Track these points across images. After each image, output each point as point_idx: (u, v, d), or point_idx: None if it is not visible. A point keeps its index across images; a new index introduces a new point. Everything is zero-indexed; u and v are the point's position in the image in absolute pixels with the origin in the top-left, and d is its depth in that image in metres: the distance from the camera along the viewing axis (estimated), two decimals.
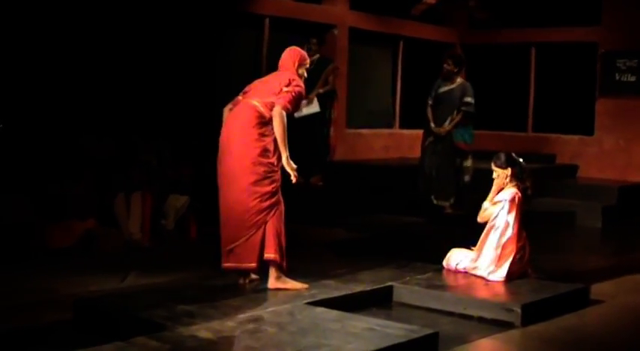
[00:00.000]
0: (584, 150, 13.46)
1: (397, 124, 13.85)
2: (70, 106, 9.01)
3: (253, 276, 6.26)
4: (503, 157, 6.97)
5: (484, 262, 6.77)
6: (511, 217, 6.78)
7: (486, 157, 7.35)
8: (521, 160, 7.01)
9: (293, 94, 6.06)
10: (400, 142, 13.59)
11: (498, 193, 6.94)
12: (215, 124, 6.25)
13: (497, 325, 5.90)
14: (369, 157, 12.81)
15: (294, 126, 6.12)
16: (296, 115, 10.04)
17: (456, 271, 6.91)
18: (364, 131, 13.08)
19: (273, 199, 6.02)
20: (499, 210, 6.82)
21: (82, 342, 4.88)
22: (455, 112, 10.22)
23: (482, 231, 6.89)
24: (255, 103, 6.04)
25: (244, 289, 6.15)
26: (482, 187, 7.21)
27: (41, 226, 7.64)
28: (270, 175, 6.00)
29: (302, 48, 6.63)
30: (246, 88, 6.27)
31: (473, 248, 6.94)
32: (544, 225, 10.05)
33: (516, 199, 6.83)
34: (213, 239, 6.36)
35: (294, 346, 4.78)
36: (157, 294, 5.99)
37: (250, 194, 5.96)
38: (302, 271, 6.39)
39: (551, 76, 14.02)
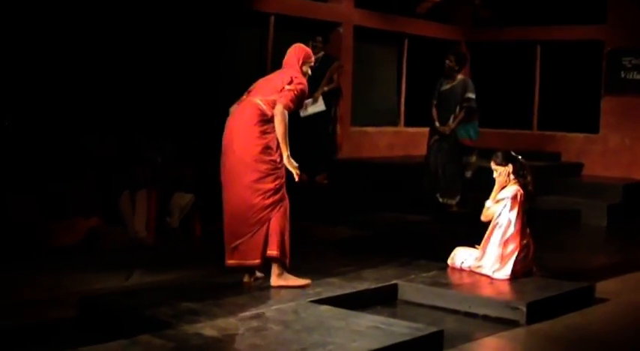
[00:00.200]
0: (590, 148, 13.44)
1: (402, 121, 13.84)
2: (73, 105, 9.01)
3: (258, 274, 6.26)
4: (501, 154, 6.97)
5: (488, 260, 6.76)
6: (513, 215, 6.77)
7: (491, 155, 7.33)
8: (519, 156, 7.01)
9: (295, 92, 6.05)
10: (405, 140, 13.58)
11: (501, 191, 6.93)
12: (219, 123, 6.25)
13: (502, 324, 5.89)
14: (374, 155, 12.80)
15: (299, 124, 6.12)
16: (302, 114, 10.09)
17: (461, 270, 6.91)
18: (369, 129, 13.07)
19: (277, 196, 6.02)
20: (502, 208, 6.82)
21: (86, 340, 4.88)
22: (457, 109, 10.25)
23: (486, 229, 6.89)
24: (258, 101, 6.04)
25: (249, 286, 6.15)
26: (486, 185, 7.20)
27: (45, 224, 7.64)
28: (272, 172, 6.00)
29: (307, 46, 6.62)
30: (251, 87, 6.27)
31: (477, 247, 6.94)
32: (549, 223, 10.06)
33: (518, 196, 6.82)
34: (218, 237, 6.36)
35: (299, 344, 4.77)
36: (162, 292, 6.00)
37: (253, 192, 5.96)
38: (306, 269, 6.39)
39: (557, 74, 13.99)
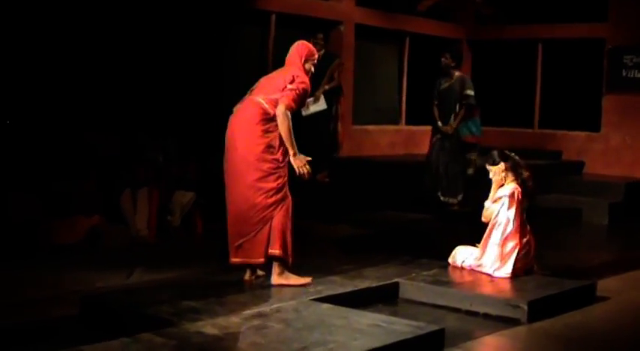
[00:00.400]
0: (591, 146, 13.44)
1: (403, 120, 13.84)
2: (75, 103, 9.01)
3: (259, 272, 6.26)
4: (493, 154, 6.97)
5: (488, 259, 6.76)
6: (511, 213, 6.76)
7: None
8: (512, 153, 7.00)
9: (297, 91, 6.03)
10: (406, 139, 13.58)
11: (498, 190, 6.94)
12: (221, 121, 6.25)
13: (503, 322, 5.90)
14: (375, 153, 12.80)
15: (300, 123, 6.11)
16: (303, 113, 10.09)
17: (462, 268, 6.91)
18: (370, 127, 13.07)
19: (279, 195, 6.02)
20: (500, 207, 6.81)
21: (88, 338, 4.88)
22: (457, 107, 10.27)
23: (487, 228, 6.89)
24: (260, 99, 6.04)
25: (250, 285, 6.16)
26: (488, 184, 7.19)
27: (47, 222, 7.65)
28: (275, 171, 6.00)
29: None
30: (254, 87, 6.26)
31: (478, 245, 6.93)
32: (550, 221, 10.06)
33: (516, 194, 6.81)
34: (219, 235, 6.36)
35: (300, 342, 4.77)
36: (163, 290, 6.00)
37: (256, 191, 5.97)
38: (307, 267, 6.39)
39: (558, 73, 13.99)
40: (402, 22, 13.40)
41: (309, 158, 6.06)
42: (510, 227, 6.75)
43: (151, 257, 7.45)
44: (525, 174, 6.90)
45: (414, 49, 13.84)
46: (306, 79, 6.16)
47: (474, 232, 7.06)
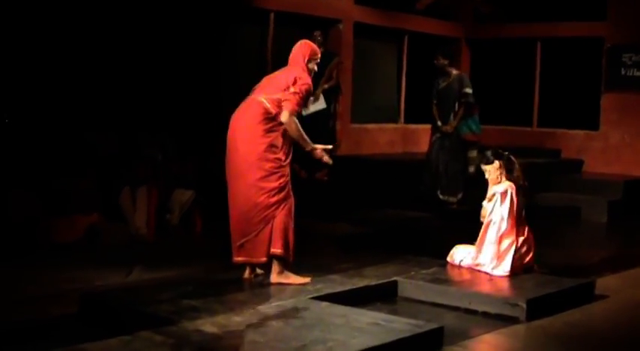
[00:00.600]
0: (590, 145, 13.44)
1: (402, 118, 13.84)
2: (74, 101, 9.01)
3: (258, 270, 6.26)
4: (488, 153, 6.98)
5: (485, 258, 6.76)
6: (505, 210, 6.75)
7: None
8: (506, 153, 7.01)
9: (300, 94, 6.02)
10: (405, 137, 13.59)
11: None
12: (220, 119, 6.25)
13: (502, 320, 5.90)
14: (374, 151, 12.80)
15: (300, 122, 6.10)
16: (304, 113, 10.04)
17: (460, 267, 6.91)
18: (369, 126, 13.07)
19: (281, 195, 6.02)
20: (493, 204, 6.82)
21: (87, 336, 4.88)
22: (456, 106, 10.29)
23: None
24: (262, 99, 6.03)
25: (249, 283, 6.16)
26: (487, 183, 7.20)
27: (46, 220, 7.65)
28: (277, 170, 5.99)
29: None
30: (256, 86, 6.25)
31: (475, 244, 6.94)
32: (549, 220, 10.06)
33: (509, 191, 6.80)
34: (219, 234, 6.36)
35: (299, 340, 4.78)
36: (162, 288, 5.99)
37: (257, 190, 5.96)
38: (307, 266, 6.39)
39: (557, 71, 13.99)
40: (401, 21, 13.40)
41: (329, 146, 6.09)
42: (505, 225, 6.74)
43: (150, 255, 7.45)
44: (516, 173, 6.90)
45: (412, 47, 13.84)
46: (309, 80, 6.15)
47: (473, 231, 7.05)
